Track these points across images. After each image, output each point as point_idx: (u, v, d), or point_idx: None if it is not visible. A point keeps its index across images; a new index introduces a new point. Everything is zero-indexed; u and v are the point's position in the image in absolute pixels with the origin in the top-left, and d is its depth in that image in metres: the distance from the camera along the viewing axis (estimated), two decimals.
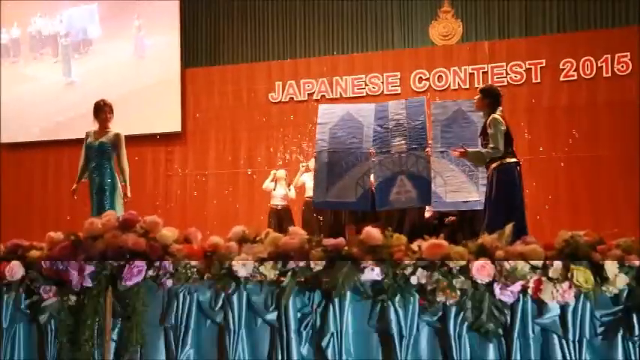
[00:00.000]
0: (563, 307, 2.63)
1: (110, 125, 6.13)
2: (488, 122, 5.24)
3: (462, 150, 5.36)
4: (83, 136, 6.22)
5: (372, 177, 6.99)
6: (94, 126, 6.19)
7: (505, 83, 9.29)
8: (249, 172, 9.40)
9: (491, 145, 5.17)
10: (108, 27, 10.75)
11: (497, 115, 5.23)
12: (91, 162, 6.08)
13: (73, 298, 3.04)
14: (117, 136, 6.09)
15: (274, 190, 8.69)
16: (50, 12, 10.92)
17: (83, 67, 10.80)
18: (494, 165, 5.21)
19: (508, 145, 5.22)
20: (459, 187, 6.26)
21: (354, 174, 6.81)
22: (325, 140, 6.97)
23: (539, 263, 2.65)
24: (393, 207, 6.83)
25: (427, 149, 6.57)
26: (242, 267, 2.93)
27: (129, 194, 6.09)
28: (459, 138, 6.23)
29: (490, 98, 5.36)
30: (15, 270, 3.13)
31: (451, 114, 6.52)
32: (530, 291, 2.62)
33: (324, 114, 7.14)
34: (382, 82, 9.72)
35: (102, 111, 6.15)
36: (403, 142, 6.67)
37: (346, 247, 2.84)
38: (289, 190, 8.68)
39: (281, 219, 8.46)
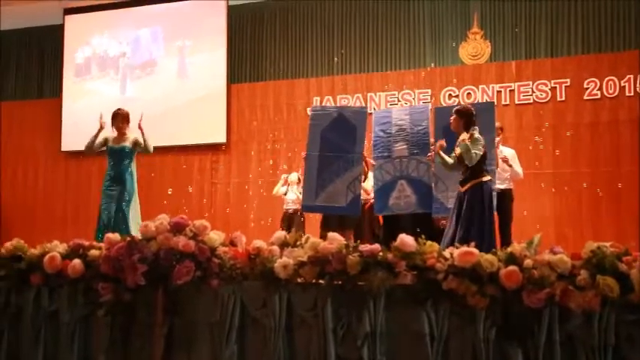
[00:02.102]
0: (589, 315, 2.57)
1: (127, 132, 6.07)
2: (460, 141, 5.14)
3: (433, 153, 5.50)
4: None
5: (370, 182, 6.62)
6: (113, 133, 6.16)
7: (531, 101, 9.16)
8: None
9: (471, 153, 5.04)
10: (163, 47, 10.94)
11: (478, 134, 5.12)
12: (113, 165, 6.05)
13: (127, 295, 3.09)
14: (135, 138, 6.05)
15: (286, 194, 8.29)
16: (116, 34, 11.18)
17: (140, 85, 10.98)
18: (472, 183, 5.07)
19: (483, 165, 5.12)
20: None
21: (345, 178, 6.38)
22: (316, 143, 6.53)
23: (567, 272, 2.61)
24: (393, 212, 6.41)
25: (429, 154, 6.16)
26: (283, 269, 2.94)
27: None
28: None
29: (465, 118, 5.23)
30: (76, 268, 3.19)
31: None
32: (557, 298, 2.57)
33: (316, 115, 6.69)
34: (414, 99, 9.66)
35: (115, 119, 6.11)
36: (405, 146, 6.36)
37: (381, 253, 2.83)
38: (301, 194, 7.99)
39: (292, 222, 8.06)
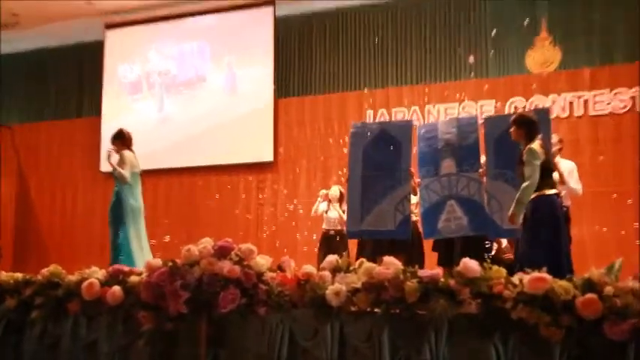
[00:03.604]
0: None
1: (123, 151, 6.55)
2: (523, 153, 4.82)
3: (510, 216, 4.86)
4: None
5: (412, 200, 6.38)
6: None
7: (608, 111, 8.93)
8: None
9: (524, 184, 4.72)
10: (209, 62, 11.13)
11: (533, 146, 4.77)
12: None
13: (169, 324, 3.11)
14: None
15: (327, 212, 7.74)
16: (160, 50, 11.36)
17: (181, 102, 11.18)
18: (532, 196, 4.77)
19: (546, 177, 4.80)
20: None
21: (393, 199, 6.13)
22: (358, 162, 6.33)
23: None
24: (442, 236, 6.14)
25: (480, 170, 5.95)
26: (335, 297, 2.92)
27: None
28: (514, 156, 5.18)
29: (525, 127, 4.92)
30: (116, 295, 3.24)
31: (505, 129, 5.49)
32: None
33: (356, 133, 6.50)
34: (476, 110, 9.53)
35: None
36: (453, 163, 6.10)
37: (443, 279, 2.78)
38: (344, 212, 7.26)
39: (333, 247, 7.26)
